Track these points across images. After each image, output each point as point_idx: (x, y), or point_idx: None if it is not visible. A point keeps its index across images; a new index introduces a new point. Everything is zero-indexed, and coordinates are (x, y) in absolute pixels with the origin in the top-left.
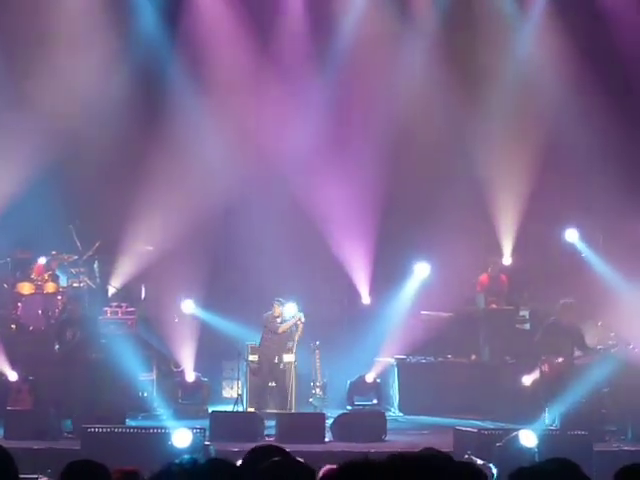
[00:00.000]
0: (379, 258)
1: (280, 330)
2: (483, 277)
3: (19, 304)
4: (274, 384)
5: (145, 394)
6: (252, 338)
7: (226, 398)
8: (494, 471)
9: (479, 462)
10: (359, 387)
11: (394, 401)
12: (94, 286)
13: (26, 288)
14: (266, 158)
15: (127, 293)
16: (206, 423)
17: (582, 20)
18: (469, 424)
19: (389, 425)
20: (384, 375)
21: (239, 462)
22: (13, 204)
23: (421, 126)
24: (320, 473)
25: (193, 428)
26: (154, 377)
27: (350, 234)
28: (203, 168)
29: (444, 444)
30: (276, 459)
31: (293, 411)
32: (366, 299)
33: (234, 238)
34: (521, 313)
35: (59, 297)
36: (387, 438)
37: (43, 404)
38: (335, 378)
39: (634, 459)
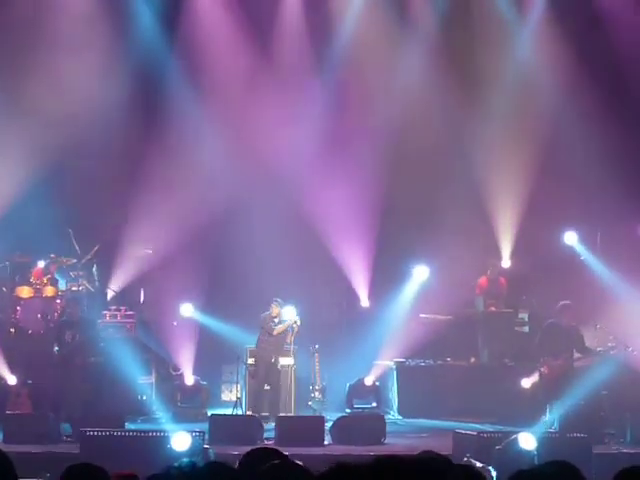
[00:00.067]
0: (378, 261)
1: (275, 332)
2: (482, 280)
3: (18, 308)
4: (273, 386)
5: (144, 397)
6: (251, 341)
7: (225, 401)
8: (493, 474)
9: (478, 465)
10: (358, 390)
11: (393, 404)
12: (93, 289)
13: (25, 292)
14: (265, 162)
15: (126, 296)
16: (205, 426)
17: (580, 24)
18: (468, 427)
19: (388, 428)
20: (383, 378)
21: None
22: (12, 207)
23: (420, 129)
24: None
25: (192, 431)
26: (153, 380)
27: (349, 237)
28: (202, 172)
29: (443, 447)
30: (275, 462)
31: (292, 414)
32: (365, 302)
33: (233, 241)
34: (520, 316)
35: (58, 300)
36: (386, 441)
37: (42, 408)
38: (334, 381)
39: (633, 462)
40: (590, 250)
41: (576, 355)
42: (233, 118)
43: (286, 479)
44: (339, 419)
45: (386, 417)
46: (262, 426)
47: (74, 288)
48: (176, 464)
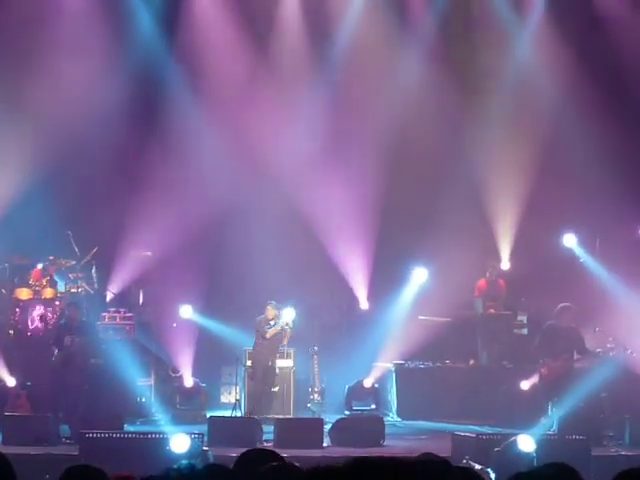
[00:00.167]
0: (377, 263)
1: (268, 335)
2: (481, 282)
3: (17, 310)
4: (270, 389)
5: (143, 399)
6: (250, 343)
7: (224, 403)
8: (492, 476)
9: (477, 467)
10: (357, 392)
11: (392, 406)
12: (92, 291)
13: (24, 294)
14: (264, 164)
15: (125, 298)
16: (204, 428)
17: (579, 25)
18: (467, 429)
19: (387, 430)
20: (382, 380)
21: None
22: (11, 209)
23: (419, 130)
24: None
25: (191, 433)
26: (152, 382)
27: (348, 239)
28: (201, 174)
29: (442, 449)
30: (274, 464)
31: (291, 416)
32: (364, 304)
33: (232, 243)
34: (519, 318)
35: (57, 302)
36: (385, 443)
37: (41, 409)
38: (333, 383)
39: (632, 464)
40: (589, 252)
41: (576, 357)
42: (232, 120)
43: None
44: (338, 421)
45: (385, 419)
46: (261, 428)
47: (73, 290)
48: (175, 466)
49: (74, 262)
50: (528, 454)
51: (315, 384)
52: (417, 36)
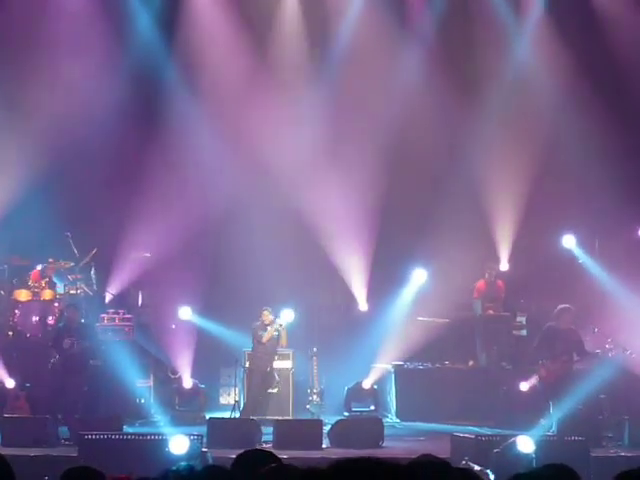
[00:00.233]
0: (376, 264)
1: (264, 340)
2: (480, 283)
3: (16, 311)
4: (270, 390)
5: (142, 401)
6: (249, 345)
7: (223, 405)
8: (492, 477)
9: (477, 468)
10: (356, 393)
11: (391, 407)
12: (91, 293)
13: (23, 295)
14: (263, 165)
15: (124, 300)
16: (203, 430)
17: (578, 25)
18: (466, 430)
19: (386, 431)
20: (381, 381)
21: None
22: (10, 211)
23: (418, 131)
24: None
25: (190, 435)
26: (151, 384)
27: (347, 240)
28: (200, 175)
29: (441, 450)
30: (273, 465)
31: (290, 417)
32: (363, 306)
33: (231, 244)
34: (518, 319)
35: (56, 304)
36: (384, 444)
37: (40, 411)
38: (332, 384)
39: (631, 464)
40: (588, 253)
41: (575, 358)
42: (231, 120)
43: None
44: (337, 422)
45: (384, 420)
46: (260, 429)
47: (72, 291)
48: (174, 467)
49: (73, 263)
50: (527, 455)
51: (314, 385)
52: (416, 36)
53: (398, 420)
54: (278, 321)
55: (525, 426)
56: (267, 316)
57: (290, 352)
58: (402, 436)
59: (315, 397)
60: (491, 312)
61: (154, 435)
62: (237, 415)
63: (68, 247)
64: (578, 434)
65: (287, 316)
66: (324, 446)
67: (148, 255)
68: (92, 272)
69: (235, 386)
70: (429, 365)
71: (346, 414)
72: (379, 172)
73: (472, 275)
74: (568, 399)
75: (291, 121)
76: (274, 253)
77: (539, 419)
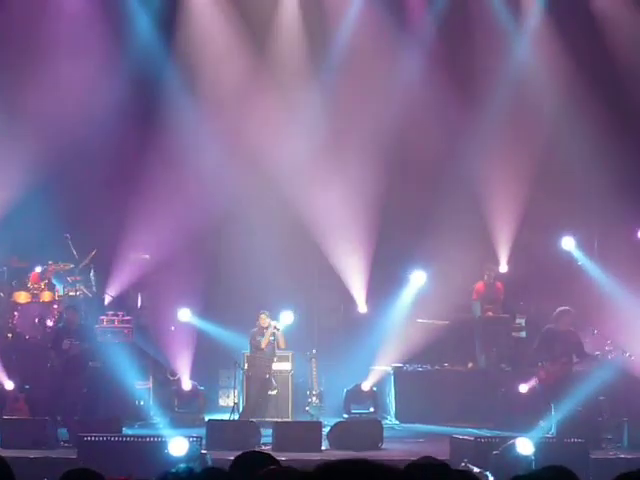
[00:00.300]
0: (376, 266)
1: (263, 345)
2: (479, 285)
3: (15, 313)
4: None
5: (142, 403)
6: (248, 348)
7: (222, 407)
8: (491, 479)
9: (476, 470)
10: (356, 395)
11: (391, 409)
12: (90, 295)
13: (22, 297)
14: (262, 166)
15: (123, 302)
16: (203, 432)
17: (578, 26)
18: (466, 432)
19: (386, 433)
20: (381, 383)
21: None
22: (9, 212)
23: (418, 133)
24: None
25: (189, 437)
26: (150, 385)
27: (347, 242)
28: (199, 177)
29: (441, 452)
30: (272, 467)
31: (290, 419)
32: (363, 307)
33: (231, 247)
34: (517, 321)
35: (55, 306)
36: (384, 446)
37: (39, 413)
38: (332, 386)
39: (630, 467)
40: (587, 255)
41: (574, 360)
42: (231, 121)
43: None
44: (336, 424)
45: (383, 422)
46: (259, 431)
47: (71, 293)
48: (173, 469)
49: (72, 265)
50: (526, 457)
51: (313, 387)
52: (416, 37)
53: (397, 422)
54: (273, 324)
55: (524, 428)
56: (264, 320)
57: (289, 354)
58: (401, 438)
59: (314, 399)
60: (490, 314)
61: (153, 437)
62: (236, 417)
63: (67, 249)
64: (577, 436)
65: (286, 318)
66: (323, 448)
67: (147, 257)
68: (91, 274)
69: (234, 388)
70: (428, 367)
71: (345, 416)
72: (378, 173)
73: (471, 277)
74: (567, 401)
75: (290, 122)
76: (273, 254)
77: (538, 421)
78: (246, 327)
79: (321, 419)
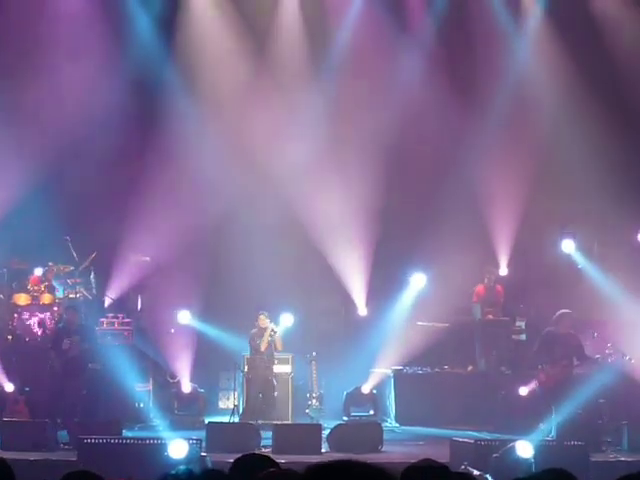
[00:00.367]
0: (375, 269)
1: (262, 348)
2: (479, 288)
3: (15, 315)
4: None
5: (141, 405)
6: (248, 350)
7: (222, 409)
8: None
9: (476, 473)
10: (355, 398)
11: (390, 412)
12: (90, 297)
13: (22, 299)
14: (262, 168)
15: (123, 304)
16: (202, 434)
17: (578, 27)
18: (466, 435)
19: (386, 436)
20: (380, 386)
21: None
22: (9, 214)
23: (418, 135)
24: None
25: (189, 439)
26: (150, 388)
27: (346, 245)
28: (199, 179)
29: (441, 455)
30: (272, 469)
31: (289, 422)
32: (363, 310)
33: (231, 248)
34: (517, 323)
35: (55, 308)
36: (384, 449)
37: (39, 415)
38: (332, 389)
39: (630, 469)
40: (588, 257)
41: (576, 362)
42: (231, 123)
43: None
44: (336, 427)
45: (383, 425)
46: (259, 434)
47: (71, 295)
48: (173, 471)
49: (72, 268)
50: (526, 460)
51: (313, 390)
52: (416, 39)
53: (397, 425)
54: (270, 327)
55: (524, 431)
56: (263, 321)
57: (289, 356)
58: (401, 441)
59: (314, 401)
60: (490, 317)
61: (153, 439)
62: (236, 419)
63: (67, 251)
64: (577, 439)
65: (286, 320)
66: (323, 451)
67: (147, 259)
68: (91, 276)
69: (234, 390)
70: (428, 370)
71: (345, 419)
72: (379, 175)
73: (471, 279)
74: (567, 404)
75: (290, 123)
76: (273, 257)
77: (538, 424)
78: (246, 329)
79: (321, 422)
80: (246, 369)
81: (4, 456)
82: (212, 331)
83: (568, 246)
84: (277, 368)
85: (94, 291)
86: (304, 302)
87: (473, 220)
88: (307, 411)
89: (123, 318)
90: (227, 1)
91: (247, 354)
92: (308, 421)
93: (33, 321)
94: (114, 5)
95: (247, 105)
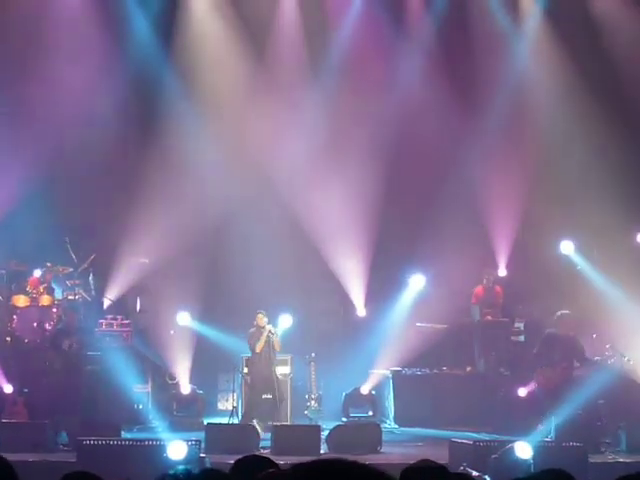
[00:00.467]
0: (374, 270)
1: (258, 349)
2: (478, 289)
3: (14, 317)
4: (269, 396)
5: (140, 406)
6: (247, 350)
7: (221, 410)
8: None
9: (474, 474)
10: (354, 399)
11: (389, 413)
12: (89, 298)
13: (21, 301)
14: (261, 170)
15: (122, 305)
16: (201, 435)
17: (577, 29)
18: (464, 436)
19: (384, 437)
20: (379, 387)
21: None
22: (8, 216)
23: (417, 137)
24: None
25: (188, 440)
26: (149, 389)
27: (346, 245)
28: (198, 180)
29: (440, 456)
30: (271, 470)
31: (288, 423)
32: (361, 311)
33: (230, 250)
34: (516, 325)
35: (54, 309)
36: (382, 450)
37: (38, 416)
38: (330, 390)
39: (629, 470)
40: (587, 259)
41: (576, 364)
42: (230, 124)
43: None
44: (335, 428)
45: (382, 426)
46: (258, 435)
47: (70, 297)
48: (171, 471)
49: (71, 269)
50: (525, 461)
51: (312, 391)
52: (416, 41)
53: (396, 426)
54: (268, 328)
55: (523, 432)
56: (261, 319)
57: (288, 357)
58: (400, 442)
59: (313, 402)
60: (489, 318)
61: (152, 440)
62: (235, 421)
63: (66, 252)
64: (576, 440)
65: (285, 321)
66: (322, 452)
67: (146, 261)
68: (90, 278)
69: (233, 392)
70: (427, 371)
71: (344, 420)
72: (377, 176)
73: (470, 280)
74: (566, 405)
75: (289, 125)
76: (272, 258)
77: (537, 425)
78: (245, 331)
79: (320, 423)
80: (245, 370)
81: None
82: (211, 332)
83: (567, 247)
84: (276, 369)
85: (93, 292)
86: (303, 303)
87: (472, 221)
88: (306, 412)
89: (122, 319)
90: (226, 1)
91: (246, 355)
92: (307, 422)
93: (32, 322)
94: (112, 6)
95: (246, 106)
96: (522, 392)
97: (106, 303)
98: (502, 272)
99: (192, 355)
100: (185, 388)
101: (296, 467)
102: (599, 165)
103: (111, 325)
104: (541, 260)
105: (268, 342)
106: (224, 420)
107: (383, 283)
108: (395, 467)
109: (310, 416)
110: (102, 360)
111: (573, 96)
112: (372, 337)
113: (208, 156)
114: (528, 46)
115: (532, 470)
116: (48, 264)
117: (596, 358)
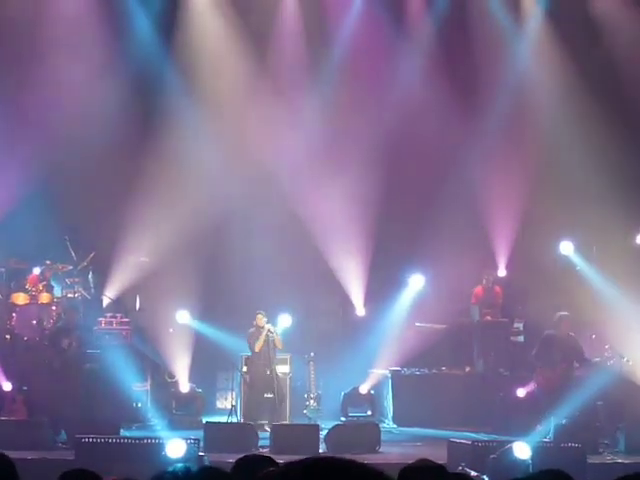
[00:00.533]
0: (374, 270)
1: (257, 349)
2: (477, 289)
3: (13, 314)
4: (270, 395)
5: (139, 405)
6: (247, 349)
7: (220, 409)
8: None
9: (473, 474)
10: (353, 399)
11: (388, 413)
12: (89, 296)
13: (20, 298)
14: (261, 170)
15: (122, 304)
16: (200, 434)
17: (578, 32)
18: (463, 436)
19: (383, 437)
20: (378, 387)
21: None
22: (8, 214)
23: (417, 137)
24: None
25: (187, 439)
26: (148, 387)
27: (345, 245)
28: (198, 179)
29: (438, 456)
30: (271, 469)
31: (287, 422)
32: (361, 311)
33: (229, 249)
34: (515, 325)
35: (54, 307)
36: (381, 450)
37: (37, 414)
38: (329, 389)
39: (627, 471)
40: (586, 259)
41: (575, 365)
42: (230, 123)
43: None
44: (334, 427)
45: (381, 426)
46: (257, 434)
47: (70, 295)
48: (170, 469)
49: (71, 267)
50: (524, 461)
51: (311, 390)
52: (416, 42)
53: (395, 425)
54: (267, 327)
55: (522, 432)
56: (261, 319)
57: (287, 357)
58: (399, 441)
59: (312, 402)
60: (489, 318)
61: (151, 439)
62: (234, 419)
63: (66, 250)
64: (575, 441)
65: (284, 321)
66: (321, 451)
67: (146, 259)
68: (90, 276)
69: (232, 390)
70: (426, 371)
71: (343, 419)
72: (377, 176)
73: (470, 281)
74: (565, 406)
75: (289, 125)
76: (272, 257)
77: (536, 425)
78: (244, 329)
79: (319, 422)
80: (244, 369)
81: None
82: (210, 331)
83: (567, 248)
84: (276, 368)
85: (92, 290)
86: (302, 303)
87: (472, 221)
88: (305, 411)
89: (121, 318)
90: (227, 1)
91: (245, 354)
92: (306, 421)
93: (31, 320)
94: (114, 6)
95: (247, 104)
96: (521, 392)
97: (105, 301)
98: (502, 272)
99: (191, 353)
100: (184, 386)
101: (290, 465)
102: (599, 165)
103: (110, 323)
104: (541, 261)
105: (267, 341)
106: (223, 419)
107: (382, 283)
108: (393, 467)
109: (309, 415)
110: (101, 358)
111: (573, 97)
112: (371, 337)
113: (208, 154)
114: (528, 47)
115: (530, 470)
116: (47, 262)
117: (595, 359)
